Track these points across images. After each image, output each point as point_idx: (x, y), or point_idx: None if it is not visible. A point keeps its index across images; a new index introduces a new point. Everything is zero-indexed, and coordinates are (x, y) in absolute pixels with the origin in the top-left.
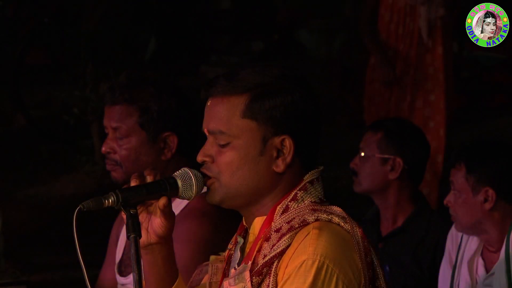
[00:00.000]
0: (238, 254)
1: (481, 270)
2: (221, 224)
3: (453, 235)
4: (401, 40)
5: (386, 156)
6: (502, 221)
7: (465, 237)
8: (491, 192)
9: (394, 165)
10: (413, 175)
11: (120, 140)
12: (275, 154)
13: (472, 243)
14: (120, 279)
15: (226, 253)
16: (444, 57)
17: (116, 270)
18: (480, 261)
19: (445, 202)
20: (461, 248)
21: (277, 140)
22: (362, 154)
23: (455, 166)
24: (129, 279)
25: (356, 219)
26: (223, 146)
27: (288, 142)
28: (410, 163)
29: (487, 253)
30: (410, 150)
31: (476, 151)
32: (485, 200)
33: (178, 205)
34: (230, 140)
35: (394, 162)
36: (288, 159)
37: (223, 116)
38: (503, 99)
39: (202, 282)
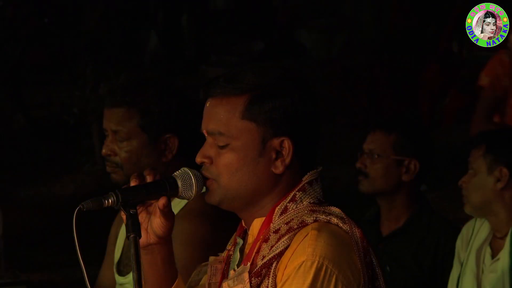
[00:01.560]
0: (237, 255)
1: (487, 259)
2: (220, 225)
3: (464, 234)
4: None
5: (402, 158)
6: None
7: (476, 228)
8: (505, 171)
9: (409, 167)
10: (422, 176)
11: (121, 143)
12: (274, 156)
13: (482, 233)
14: (119, 279)
15: (225, 254)
16: None
17: (114, 270)
18: (488, 250)
19: (459, 183)
20: (471, 240)
21: (276, 142)
22: (376, 155)
23: (476, 146)
24: (128, 279)
25: (356, 220)
26: (222, 147)
27: (287, 144)
28: (424, 164)
29: (495, 241)
30: (425, 152)
31: (498, 134)
32: (498, 180)
33: (176, 205)
34: (229, 141)
35: (410, 163)
36: (287, 160)
37: (222, 117)
38: None
39: (201, 282)
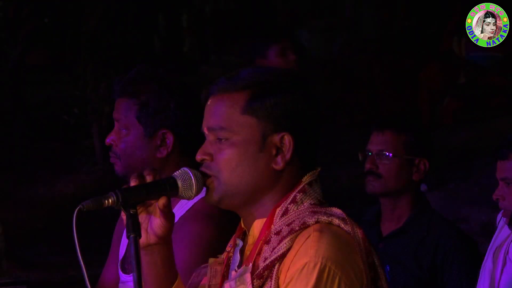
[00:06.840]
0: (237, 256)
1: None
2: (225, 227)
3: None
4: None
5: (413, 157)
6: None
7: (500, 225)
8: None
9: (419, 166)
10: (425, 176)
11: (121, 133)
12: (274, 152)
13: (504, 231)
14: (123, 276)
15: (224, 256)
16: None
17: (119, 267)
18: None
19: (494, 197)
20: (494, 237)
21: (276, 137)
22: (388, 155)
23: (504, 157)
24: (132, 277)
25: (356, 220)
26: (222, 141)
27: (287, 139)
28: (431, 163)
29: None
30: (432, 151)
31: None
32: None
33: (182, 206)
34: (230, 136)
35: (420, 163)
36: (288, 156)
37: (224, 112)
38: (501, 100)
39: (201, 284)
